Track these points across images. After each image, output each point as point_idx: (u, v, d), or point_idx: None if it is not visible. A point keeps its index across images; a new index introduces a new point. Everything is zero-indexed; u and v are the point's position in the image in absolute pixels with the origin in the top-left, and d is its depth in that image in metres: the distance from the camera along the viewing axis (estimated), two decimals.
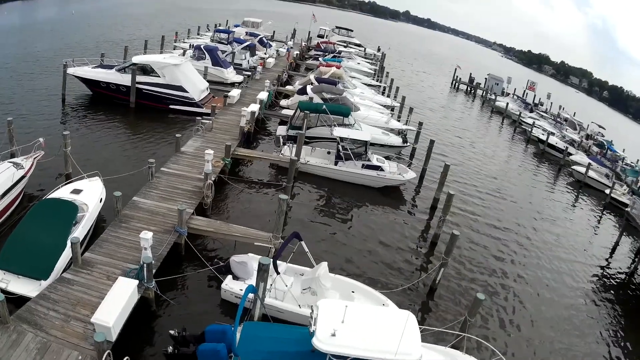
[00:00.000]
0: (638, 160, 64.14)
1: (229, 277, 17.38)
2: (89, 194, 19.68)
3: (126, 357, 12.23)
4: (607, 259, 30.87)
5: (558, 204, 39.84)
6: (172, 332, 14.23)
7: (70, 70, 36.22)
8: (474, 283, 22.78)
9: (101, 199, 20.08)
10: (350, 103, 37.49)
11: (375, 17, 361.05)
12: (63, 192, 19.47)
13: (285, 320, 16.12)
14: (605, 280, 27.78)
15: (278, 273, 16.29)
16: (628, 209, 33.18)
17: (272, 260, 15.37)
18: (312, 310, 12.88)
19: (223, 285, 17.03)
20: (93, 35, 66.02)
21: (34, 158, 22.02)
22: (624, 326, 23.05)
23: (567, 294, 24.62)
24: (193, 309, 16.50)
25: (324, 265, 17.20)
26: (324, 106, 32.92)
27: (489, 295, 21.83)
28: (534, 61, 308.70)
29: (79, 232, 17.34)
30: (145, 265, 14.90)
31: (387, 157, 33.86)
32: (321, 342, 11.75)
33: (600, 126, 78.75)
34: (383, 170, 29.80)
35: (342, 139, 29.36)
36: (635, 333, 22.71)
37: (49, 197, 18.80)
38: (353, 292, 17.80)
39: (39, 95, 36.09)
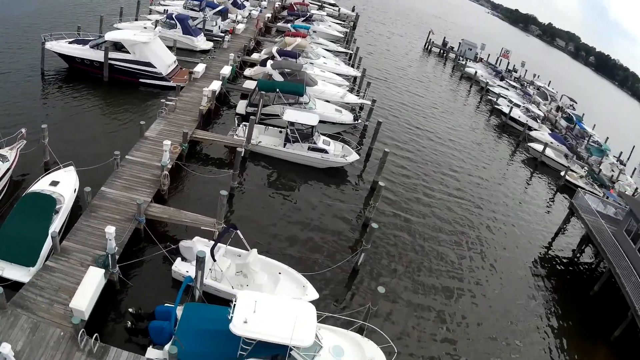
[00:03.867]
0: (607, 138, 65.80)
1: (179, 259, 21.62)
2: (64, 185, 23.44)
3: (95, 334, 16.37)
4: (549, 244, 34.82)
5: (511, 183, 43.08)
6: (130, 310, 18.44)
7: (47, 45, 38.88)
8: (400, 267, 26.73)
9: (75, 189, 23.91)
10: (307, 79, 40.85)
11: None
12: (43, 185, 23.16)
13: (222, 297, 20.38)
14: (545, 268, 31.71)
15: (215, 261, 20.35)
16: (573, 200, 35.41)
17: (209, 251, 19.55)
18: (233, 300, 16.95)
19: (173, 267, 21.23)
20: None
21: (17, 149, 25.52)
22: (558, 316, 27.28)
23: (505, 280, 28.96)
24: (149, 288, 20.77)
25: (254, 252, 21.53)
26: (278, 88, 36.44)
27: (416, 279, 26.26)
28: (520, 20, 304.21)
29: (58, 222, 21.42)
30: (109, 255, 19.05)
31: (338, 134, 37.62)
32: (235, 327, 15.70)
33: (572, 99, 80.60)
34: (327, 152, 33.19)
35: (291, 122, 32.74)
36: (569, 324, 26.95)
37: (31, 190, 22.52)
38: (280, 273, 21.99)
39: (19, 71, 38.57)
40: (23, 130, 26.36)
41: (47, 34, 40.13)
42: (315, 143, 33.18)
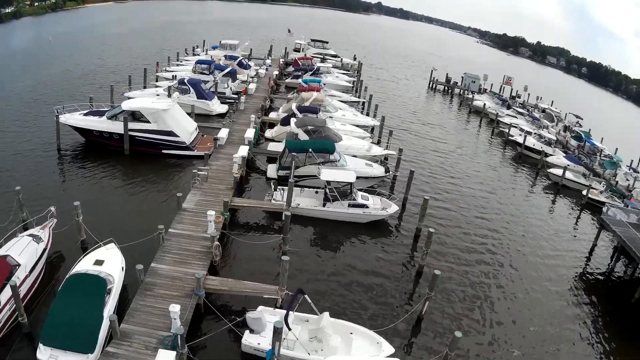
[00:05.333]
0: (616, 149, 66.83)
1: (247, 331, 19.90)
2: (111, 264, 21.62)
3: None
4: (586, 263, 34.48)
5: (537, 210, 42.75)
6: None
7: (62, 119, 37.39)
8: (460, 310, 25.59)
9: (123, 267, 22.14)
10: (333, 135, 40.09)
11: (348, 11, 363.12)
12: (87, 265, 21.30)
13: None
14: (583, 284, 31.30)
15: (290, 329, 18.87)
16: (602, 216, 35.52)
17: (284, 322, 17.99)
18: None
19: (243, 341, 19.53)
20: (74, 67, 67.81)
21: (49, 228, 24.01)
22: (603, 327, 26.77)
23: (551, 302, 28.32)
24: None
25: (326, 315, 20.08)
26: (310, 148, 35.31)
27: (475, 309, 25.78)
28: (510, 44, 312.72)
29: (111, 303, 19.57)
30: (177, 335, 17.29)
31: (371, 187, 36.40)
32: None
33: (577, 116, 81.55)
34: (368, 207, 32.17)
35: (328, 182, 31.69)
36: (614, 332, 26.43)
37: (76, 271, 20.64)
38: (351, 333, 20.68)
39: (34, 150, 37.19)
40: (52, 208, 24.97)
41: (60, 106, 38.54)
42: (355, 199, 32.12)
